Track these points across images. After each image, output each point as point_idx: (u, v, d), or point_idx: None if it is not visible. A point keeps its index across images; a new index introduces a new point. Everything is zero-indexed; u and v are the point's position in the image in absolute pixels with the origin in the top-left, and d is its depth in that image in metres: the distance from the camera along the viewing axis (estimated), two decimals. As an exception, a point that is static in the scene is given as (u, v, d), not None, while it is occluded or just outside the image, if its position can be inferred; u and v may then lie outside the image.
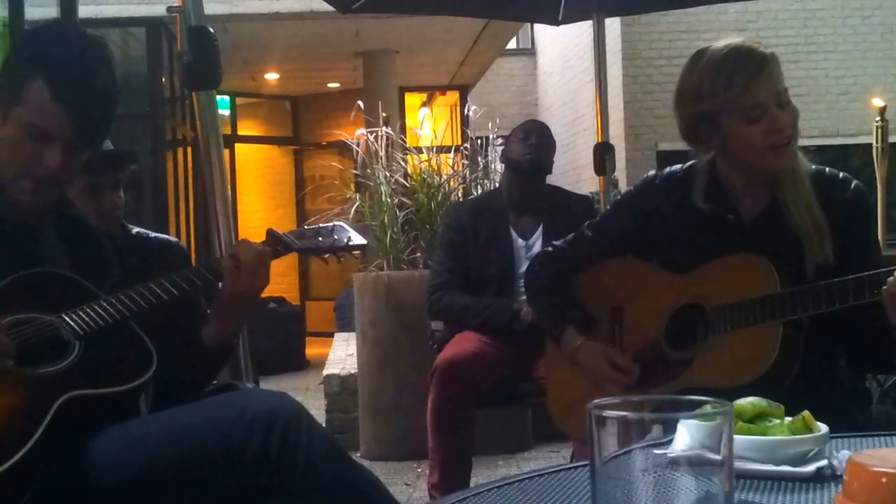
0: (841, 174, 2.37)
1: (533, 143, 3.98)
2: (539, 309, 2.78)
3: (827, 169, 2.38)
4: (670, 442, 0.89)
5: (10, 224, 2.01)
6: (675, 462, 0.89)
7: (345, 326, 8.98)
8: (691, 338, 2.35)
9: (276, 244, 2.21)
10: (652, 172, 2.57)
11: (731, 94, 2.24)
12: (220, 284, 2.16)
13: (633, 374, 2.45)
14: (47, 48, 2.00)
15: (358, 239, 2.37)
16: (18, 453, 1.69)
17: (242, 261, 2.09)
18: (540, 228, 3.96)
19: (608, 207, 2.98)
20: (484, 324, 3.81)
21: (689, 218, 2.41)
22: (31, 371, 1.81)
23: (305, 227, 2.36)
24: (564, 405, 2.70)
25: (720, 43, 2.31)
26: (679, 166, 2.50)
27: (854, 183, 2.36)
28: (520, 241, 3.97)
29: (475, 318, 3.84)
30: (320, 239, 2.31)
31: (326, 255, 2.33)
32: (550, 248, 2.74)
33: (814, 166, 2.38)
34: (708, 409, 0.91)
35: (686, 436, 0.89)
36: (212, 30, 2.91)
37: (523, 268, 3.87)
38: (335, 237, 2.33)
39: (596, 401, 0.91)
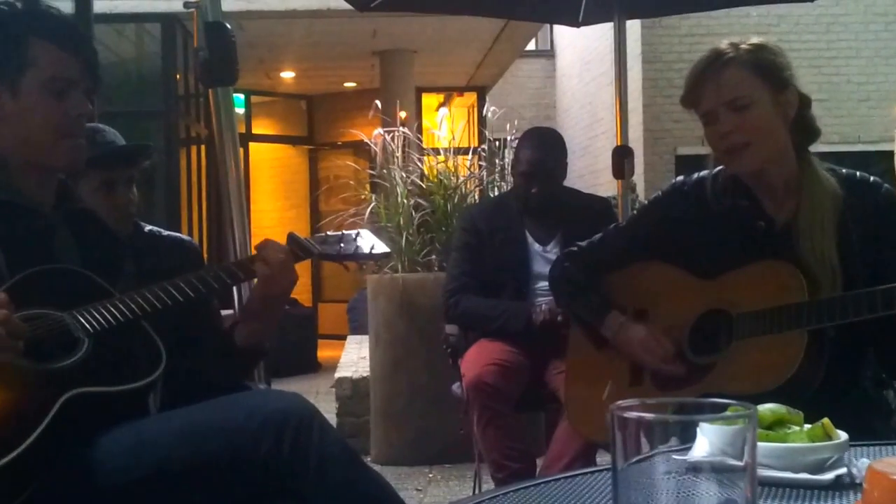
0: (872, 178, 2.35)
1: (535, 151, 3.94)
2: (572, 301, 2.73)
3: (858, 173, 2.36)
4: (691, 447, 0.88)
5: (27, 219, 2.01)
6: (697, 467, 0.88)
7: (357, 329, 8.97)
8: (715, 343, 2.34)
9: (296, 248, 2.19)
10: (681, 178, 2.55)
11: (685, 101, 2.35)
12: (232, 287, 2.14)
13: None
14: (25, 15, 2.03)
15: (381, 248, 2.34)
16: (18, 449, 1.67)
17: (272, 262, 2.09)
18: (559, 233, 3.92)
19: (636, 211, 2.97)
20: (501, 328, 3.79)
21: (717, 223, 2.40)
22: (37, 366, 1.79)
23: (328, 233, 2.33)
24: (583, 407, 2.68)
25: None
26: (707, 172, 2.48)
27: (885, 187, 2.33)
28: (536, 246, 3.94)
29: (492, 323, 3.82)
30: (342, 245, 2.28)
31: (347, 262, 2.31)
32: (576, 248, 2.72)
33: (844, 170, 2.36)
34: (731, 412, 0.89)
35: (706, 442, 0.88)
36: (229, 26, 2.91)
37: (538, 271, 3.85)
38: (357, 244, 2.30)
39: (618, 402, 0.90)
